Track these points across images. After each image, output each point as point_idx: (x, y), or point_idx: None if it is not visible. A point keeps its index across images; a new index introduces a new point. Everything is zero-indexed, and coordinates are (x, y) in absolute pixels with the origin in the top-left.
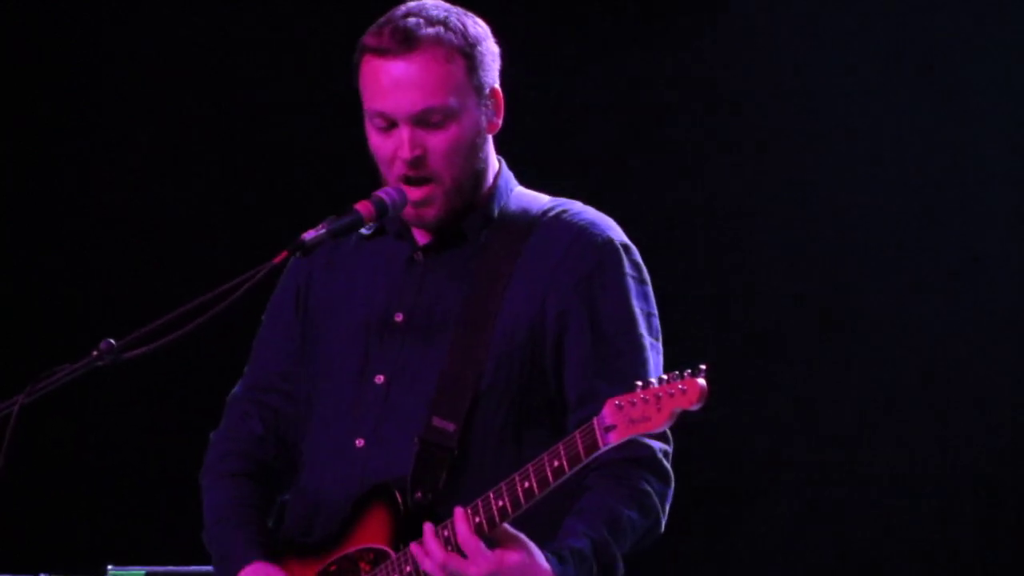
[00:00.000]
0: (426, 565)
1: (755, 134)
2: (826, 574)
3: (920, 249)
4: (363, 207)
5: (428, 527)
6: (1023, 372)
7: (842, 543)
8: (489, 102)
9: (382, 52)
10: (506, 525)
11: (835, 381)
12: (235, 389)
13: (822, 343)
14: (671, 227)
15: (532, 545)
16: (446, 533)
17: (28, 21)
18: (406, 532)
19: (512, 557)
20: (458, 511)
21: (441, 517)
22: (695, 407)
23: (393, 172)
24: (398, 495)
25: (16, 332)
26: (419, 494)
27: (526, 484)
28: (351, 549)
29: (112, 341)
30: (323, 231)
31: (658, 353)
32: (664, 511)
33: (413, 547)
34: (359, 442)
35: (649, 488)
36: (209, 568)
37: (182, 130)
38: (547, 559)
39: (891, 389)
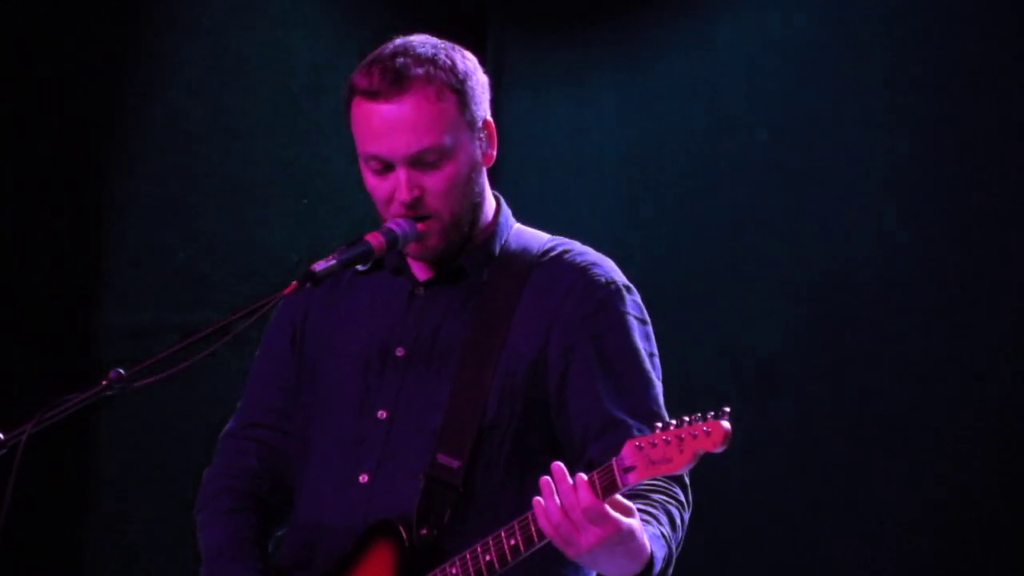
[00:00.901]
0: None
1: (757, 167)
2: None
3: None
4: (373, 238)
5: (547, 484)
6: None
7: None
8: (482, 134)
9: (373, 95)
10: (619, 495)
11: (833, 418)
12: (228, 425)
13: (818, 366)
14: (668, 265)
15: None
16: (454, 571)
17: None
18: (411, 569)
19: (628, 523)
20: (580, 478)
21: (446, 553)
22: (719, 449)
23: (391, 212)
24: (403, 531)
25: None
26: (424, 530)
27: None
28: None
29: (121, 371)
30: (333, 262)
31: (661, 393)
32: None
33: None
34: (363, 477)
35: (683, 498)
36: None
37: None
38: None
39: (889, 425)
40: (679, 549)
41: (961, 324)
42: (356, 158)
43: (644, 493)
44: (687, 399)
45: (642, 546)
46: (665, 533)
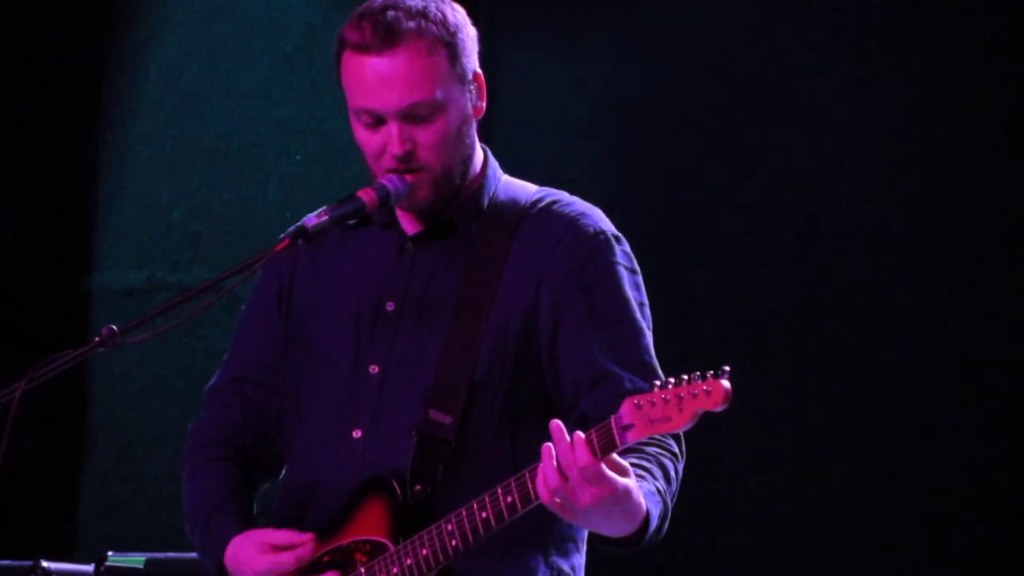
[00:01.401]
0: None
1: (742, 136)
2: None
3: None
4: (366, 194)
5: (547, 449)
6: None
7: (823, 547)
8: (472, 87)
9: (364, 48)
10: (615, 455)
11: (822, 382)
12: (213, 380)
13: (809, 342)
14: (657, 222)
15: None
16: (449, 527)
17: None
18: (405, 525)
19: (623, 483)
20: (578, 437)
21: (440, 509)
22: (719, 408)
23: (382, 165)
24: (397, 487)
25: None
26: (418, 487)
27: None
28: (346, 540)
29: (114, 327)
30: (325, 218)
31: (651, 342)
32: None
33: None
34: (356, 433)
35: (677, 449)
36: None
37: None
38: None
39: (878, 391)
40: (674, 501)
41: (948, 284)
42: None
43: (638, 445)
44: (680, 355)
45: (638, 505)
46: (660, 488)
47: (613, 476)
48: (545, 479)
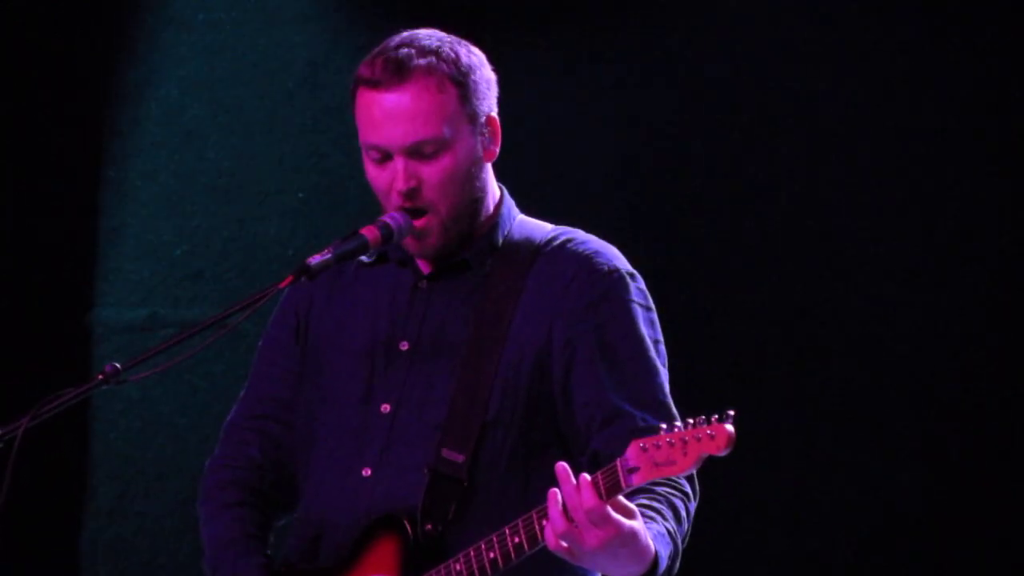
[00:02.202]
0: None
1: (739, 136)
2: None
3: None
4: (369, 232)
5: (553, 494)
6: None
7: (824, 556)
8: (485, 130)
9: (375, 84)
10: (622, 497)
11: (818, 389)
12: (231, 416)
13: (807, 351)
14: (659, 238)
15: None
16: (458, 567)
17: None
18: (415, 563)
19: (630, 525)
20: (584, 479)
21: (450, 548)
22: (723, 453)
23: (390, 203)
24: (408, 526)
25: None
26: (429, 526)
27: (544, 521)
28: None
29: (117, 365)
30: (328, 256)
31: (667, 380)
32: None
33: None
34: (366, 471)
35: (688, 489)
36: None
37: None
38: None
39: (875, 393)
40: (686, 541)
41: (949, 314)
42: (352, 152)
43: (648, 485)
44: (684, 391)
45: (645, 547)
46: (670, 528)
47: (619, 518)
48: (552, 524)
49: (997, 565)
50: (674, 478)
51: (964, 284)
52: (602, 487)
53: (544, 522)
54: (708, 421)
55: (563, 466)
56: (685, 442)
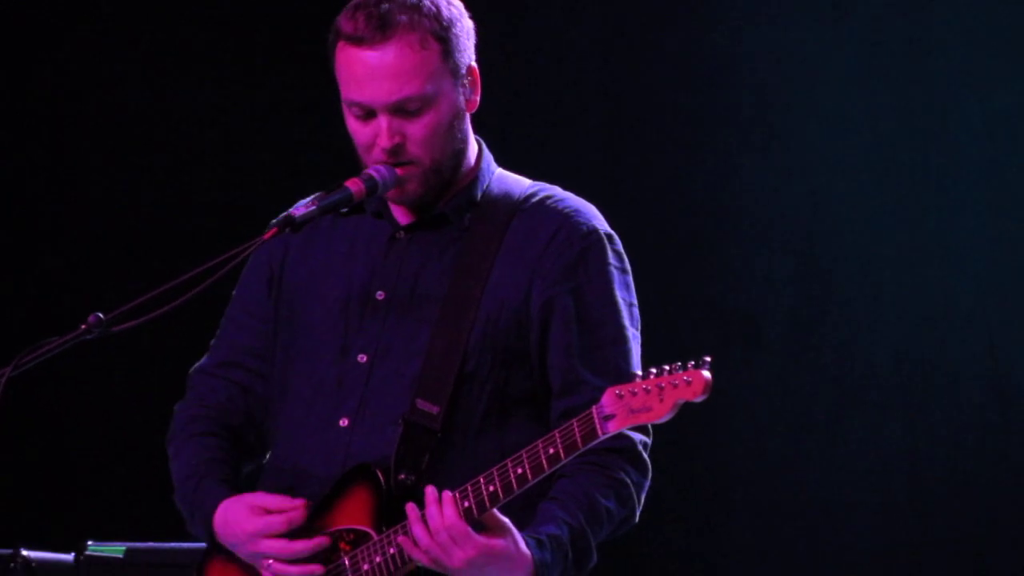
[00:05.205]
0: (412, 551)
1: (742, 125)
2: (807, 571)
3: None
4: (353, 184)
5: (412, 509)
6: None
7: (820, 539)
8: (466, 81)
9: (356, 40)
10: (495, 510)
11: (815, 372)
12: (200, 362)
13: (804, 335)
14: (652, 217)
15: (516, 531)
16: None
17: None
18: (388, 513)
19: (497, 543)
20: (447, 494)
21: (423, 500)
22: (699, 399)
23: (372, 157)
24: (380, 476)
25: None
26: (402, 475)
27: (519, 470)
28: (331, 528)
29: (100, 315)
30: (313, 208)
31: (638, 344)
32: (640, 502)
33: (402, 538)
34: (343, 421)
35: (627, 479)
36: (191, 545)
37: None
38: (527, 544)
39: (869, 379)
40: (623, 526)
41: (942, 278)
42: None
43: (577, 473)
44: (670, 351)
45: (521, 559)
46: (572, 527)
47: (482, 538)
48: (416, 539)
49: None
50: (610, 468)
51: None
52: (577, 435)
53: (490, 487)
54: (684, 367)
55: (430, 488)
56: (661, 388)
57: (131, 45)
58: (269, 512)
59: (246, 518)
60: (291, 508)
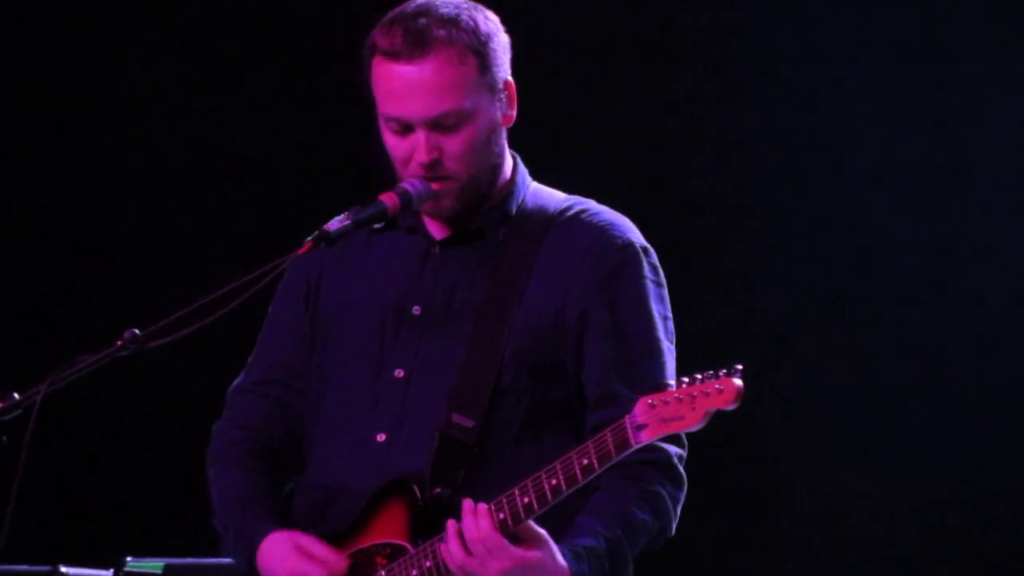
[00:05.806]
0: (449, 562)
1: (763, 131)
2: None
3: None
4: (388, 198)
5: (451, 524)
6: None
7: (852, 546)
8: (503, 95)
9: (394, 55)
10: (531, 522)
11: (845, 381)
12: (237, 381)
13: (832, 343)
14: (680, 226)
15: (552, 542)
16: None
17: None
18: (424, 527)
19: (533, 555)
20: (482, 506)
21: (459, 512)
22: (731, 407)
23: (409, 172)
24: (416, 490)
25: (30, 324)
26: (438, 489)
27: (553, 481)
28: (367, 543)
29: (136, 331)
30: (347, 222)
31: (673, 357)
32: (675, 514)
33: (442, 545)
34: (380, 437)
35: (662, 491)
36: (228, 561)
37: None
38: (563, 555)
39: (902, 385)
40: (658, 538)
41: (969, 292)
42: None
43: (598, 507)
44: (699, 362)
45: (559, 567)
46: (609, 539)
47: (518, 549)
48: (451, 554)
49: None
50: (646, 479)
51: None
52: (610, 444)
53: (524, 498)
54: (716, 376)
55: (467, 501)
56: (693, 397)
57: (170, 72)
58: (313, 558)
59: (288, 556)
60: (334, 560)
